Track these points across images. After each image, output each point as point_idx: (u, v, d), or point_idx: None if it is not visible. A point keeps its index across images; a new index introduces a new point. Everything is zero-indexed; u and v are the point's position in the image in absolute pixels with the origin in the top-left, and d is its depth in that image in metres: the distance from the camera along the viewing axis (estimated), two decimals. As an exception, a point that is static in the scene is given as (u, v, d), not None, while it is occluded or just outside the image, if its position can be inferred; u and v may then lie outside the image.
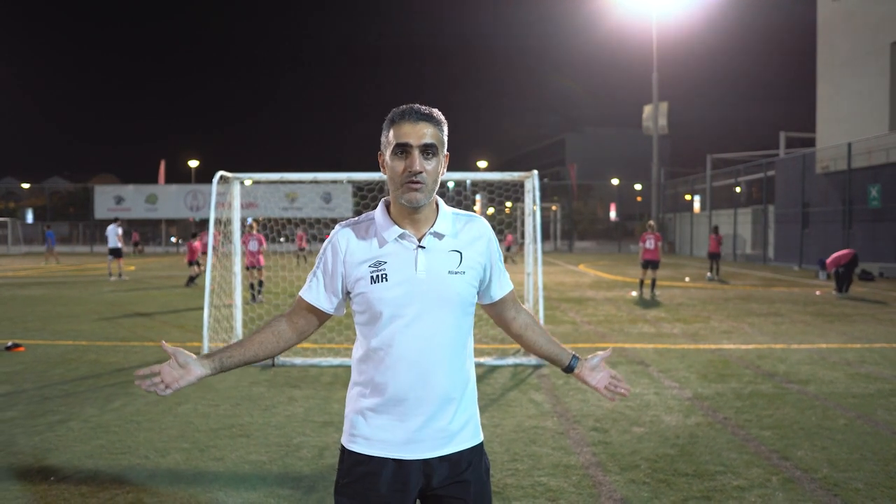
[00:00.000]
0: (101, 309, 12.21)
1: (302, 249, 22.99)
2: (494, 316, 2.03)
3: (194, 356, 1.78)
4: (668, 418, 5.18)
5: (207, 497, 3.70)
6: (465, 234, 1.84)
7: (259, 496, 3.72)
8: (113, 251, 18.89)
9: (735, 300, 13.74)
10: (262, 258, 13.48)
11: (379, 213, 1.83)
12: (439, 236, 1.80)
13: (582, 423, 5.08)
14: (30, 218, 53.64)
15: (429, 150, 1.73)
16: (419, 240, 1.78)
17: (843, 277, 14.58)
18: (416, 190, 1.72)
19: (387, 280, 1.74)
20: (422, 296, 1.74)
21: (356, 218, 1.88)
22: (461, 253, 1.81)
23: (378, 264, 1.76)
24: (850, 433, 4.81)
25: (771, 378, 6.58)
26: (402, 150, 1.73)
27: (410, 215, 1.78)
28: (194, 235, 18.36)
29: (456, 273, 1.78)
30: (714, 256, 19.30)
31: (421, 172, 1.72)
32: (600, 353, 2.05)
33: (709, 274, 19.33)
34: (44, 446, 4.52)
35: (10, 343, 8.12)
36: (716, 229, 20.31)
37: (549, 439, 4.68)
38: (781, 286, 17.19)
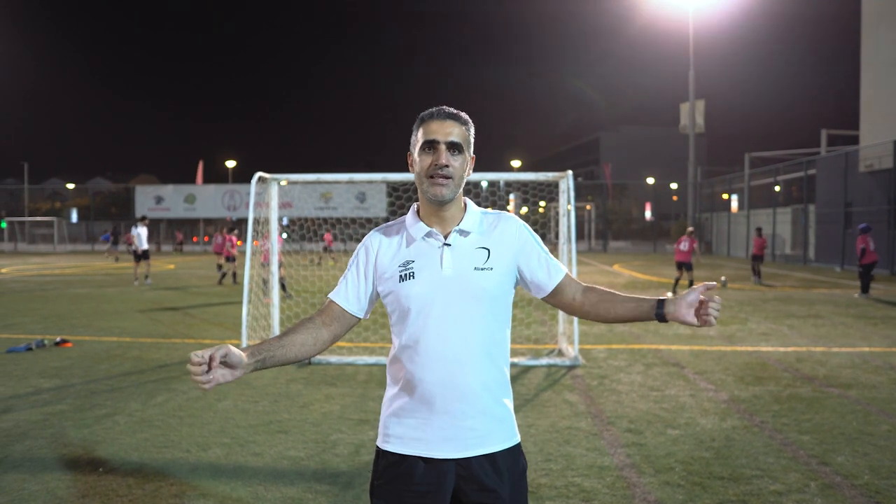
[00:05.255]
0: (143, 306, 12.55)
1: (328, 248, 23.57)
2: (558, 304, 1.96)
3: (243, 356, 1.66)
4: (703, 421, 5.13)
5: (247, 491, 3.81)
6: (493, 231, 1.87)
7: (297, 491, 3.81)
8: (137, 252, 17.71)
9: (774, 302, 13.48)
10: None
11: (409, 215, 1.90)
12: (465, 234, 1.83)
13: (616, 424, 5.07)
14: (74, 217, 55.29)
15: (455, 147, 1.80)
16: (445, 237, 1.82)
17: (865, 277, 14.25)
18: (441, 184, 1.77)
19: (414, 278, 1.79)
20: (448, 292, 1.77)
21: (389, 222, 1.94)
22: (489, 250, 1.83)
23: (406, 263, 1.81)
24: (893, 439, 4.71)
25: (810, 381, 6.45)
26: (430, 146, 1.79)
27: (438, 214, 1.83)
28: (232, 230, 18.45)
29: (483, 269, 1.80)
30: (754, 258, 18.80)
31: (447, 166, 1.77)
32: (699, 287, 1.79)
33: (754, 277, 18.88)
34: (92, 439, 4.70)
35: (58, 339, 8.43)
36: (759, 231, 19.59)
37: (583, 440, 4.69)
38: (822, 287, 16.79)
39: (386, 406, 1.87)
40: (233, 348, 1.64)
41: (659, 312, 1.81)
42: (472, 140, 1.88)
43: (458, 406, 1.77)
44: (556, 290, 1.92)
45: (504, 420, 1.83)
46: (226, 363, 1.63)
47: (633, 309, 1.85)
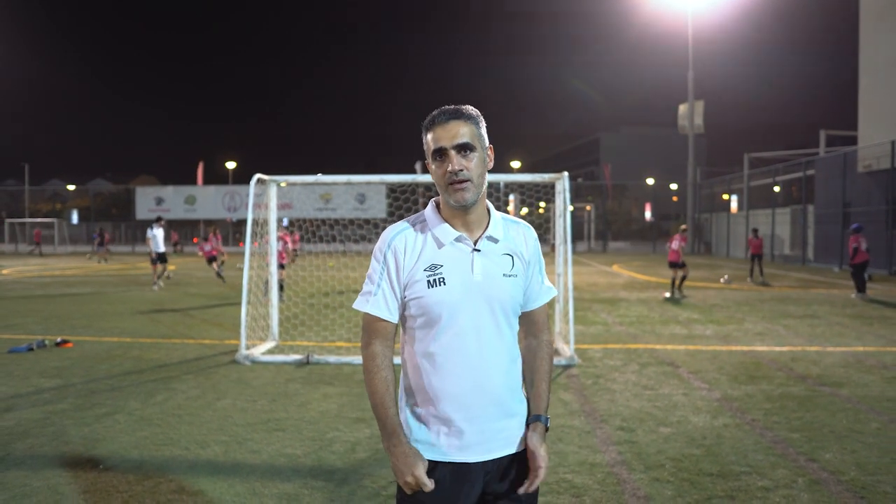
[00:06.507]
0: (143, 307, 12.63)
1: (295, 251, 23.88)
2: (522, 328, 1.95)
3: (415, 456, 1.74)
4: (695, 419, 5.20)
5: (245, 487, 3.88)
6: (515, 238, 1.86)
7: (293, 488, 3.88)
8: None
9: (771, 301, 13.54)
10: (284, 256, 14.18)
11: (431, 214, 1.82)
12: (494, 240, 1.81)
13: (609, 422, 5.14)
14: (75, 219, 55.37)
15: (465, 148, 1.73)
16: (474, 243, 1.79)
17: (859, 277, 14.33)
18: (461, 189, 1.72)
19: (444, 284, 1.74)
20: (478, 299, 1.75)
21: (408, 220, 1.86)
22: (513, 257, 1.83)
23: (434, 268, 1.75)
24: (882, 437, 4.77)
25: (803, 380, 6.52)
26: (439, 154, 1.74)
27: (462, 217, 1.79)
28: (206, 237, 19.53)
29: (510, 276, 1.80)
30: (754, 258, 19.05)
31: (462, 170, 1.71)
32: (543, 466, 1.80)
33: (749, 278, 19.03)
34: (92, 437, 4.78)
35: (59, 339, 8.50)
36: (755, 232, 19.73)
37: (575, 438, 4.76)
38: (820, 287, 16.85)
39: (409, 409, 1.83)
40: (420, 462, 1.74)
41: (534, 419, 1.85)
42: (484, 132, 1.80)
43: (490, 410, 1.77)
44: (531, 314, 1.93)
45: (526, 420, 1.87)
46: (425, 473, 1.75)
47: (532, 395, 1.88)
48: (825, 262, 25.87)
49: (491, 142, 1.84)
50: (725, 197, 39.63)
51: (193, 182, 49.39)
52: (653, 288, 16.80)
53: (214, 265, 18.33)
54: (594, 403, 5.70)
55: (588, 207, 51.76)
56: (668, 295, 14.63)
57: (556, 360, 7.32)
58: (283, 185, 9.20)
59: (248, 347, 7.78)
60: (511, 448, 1.80)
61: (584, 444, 4.60)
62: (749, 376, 6.69)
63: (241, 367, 7.24)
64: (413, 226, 1.82)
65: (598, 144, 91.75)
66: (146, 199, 44.96)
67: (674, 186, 56.81)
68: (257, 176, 8.17)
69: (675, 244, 14.76)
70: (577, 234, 47.58)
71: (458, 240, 1.78)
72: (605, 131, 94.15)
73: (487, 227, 1.81)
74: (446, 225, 1.79)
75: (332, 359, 7.48)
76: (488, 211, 1.85)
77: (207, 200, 44.48)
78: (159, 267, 16.69)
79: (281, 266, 12.98)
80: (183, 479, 4.00)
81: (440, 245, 1.77)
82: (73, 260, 32.24)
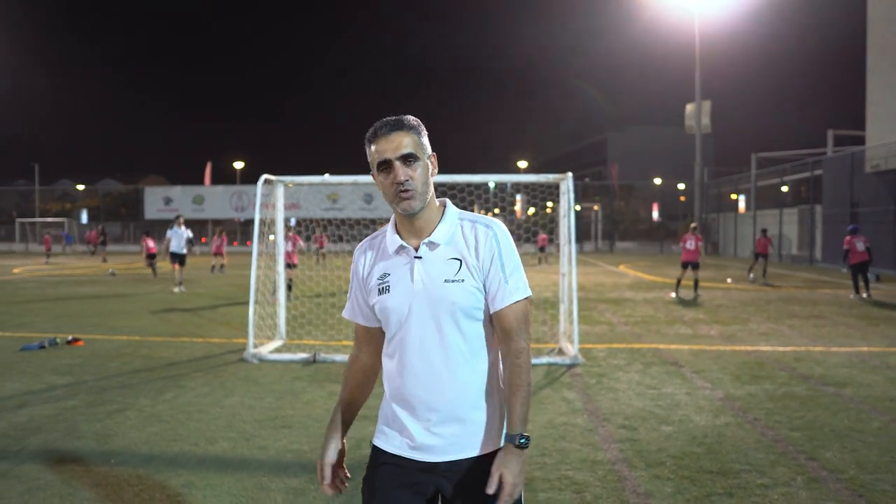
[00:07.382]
0: (152, 306, 12.76)
1: (321, 248, 24.09)
2: (497, 333, 1.85)
3: (333, 446, 1.90)
4: (697, 418, 5.26)
5: (252, 482, 3.96)
6: (467, 241, 1.83)
7: (300, 483, 3.96)
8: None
9: (777, 302, 13.54)
10: (295, 257, 14.24)
11: (389, 226, 1.91)
12: (434, 245, 1.82)
13: (611, 420, 5.20)
14: (84, 218, 55.78)
15: (409, 158, 1.77)
16: (416, 249, 1.83)
17: (855, 278, 14.28)
18: (407, 198, 1.77)
19: (389, 291, 1.83)
20: (420, 305, 1.79)
21: (374, 234, 1.98)
22: (461, 260, 1.80)
23: (383, 276, 1.85)
24: (883, 436, 4.81)
25: (806, 380, 6.56)
26: (384, 166, 1.78)
27: (412, 225, 1.83)
28: (147, 234, 21.24)
29: (453, 281, 1.78)
30: (759, 257, 18.98)
31: (407, 180, 1.76)
32: (509, 482, 1.69)
33: (751, 275, 19.11)
34: (104, 432, 4.88)
35: (70, 338, 8.63)
36: (763, 232, 19.68)
37: (578, 436, 4.82)
38: (827, 288, 16.82)
39: (383, 400, 1.95)
40: (330, 453, 1.91)
41: (509, 437, 1.75)
42: (426, 141, 1.84)
43: (436, 416, 1.80)
44: (498, 317, 1.81)
45: (488, 429, 1.82)
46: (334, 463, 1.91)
47: (508, 409, 1.79)
48: (833, 262, 25.78)
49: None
50: (733, 197, 39.55)
51: (201, 182, 49.65)
52: (659, 288, 16.82)
53: (153, 262, 19.86)
54: (597, 402, 5.75)
55: (595, 207, 51.71)
56: (673, 295, 14.63)
57: (561, 360, 7.37)
58: (290, 185, 9.29)
59: (255, 346, 7.88)
60: (459, 454, 1.79)
61: (587, 442, 4.67)
62: (752, 376, 6.73)
63: (248, 365, 7.33)
64: (374, 239, 1.95)
65: (605, 144, 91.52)
66: (155, 198, 45.23)
67: (681, 186, 56.66)
68: (264, 176, 8.27)
69: (690, 244, 14.50)
70: (585, 234, 47.56)
71: (401, 248, 1.85)
72: (613, 131, 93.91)
73: (433, 232, 1.83)
74: (395, 235, 1.87)
75: (338, 357, 7.56)
76: (444, 213, 1.86)
77: (215, 200, 44.68)
78: (177, 268, 16.02)
79: (289, 266, 13.08)
80: (192, 473, 4.08)
81: (387, 255, 1.88)
82: (83, 259, 32.50)
